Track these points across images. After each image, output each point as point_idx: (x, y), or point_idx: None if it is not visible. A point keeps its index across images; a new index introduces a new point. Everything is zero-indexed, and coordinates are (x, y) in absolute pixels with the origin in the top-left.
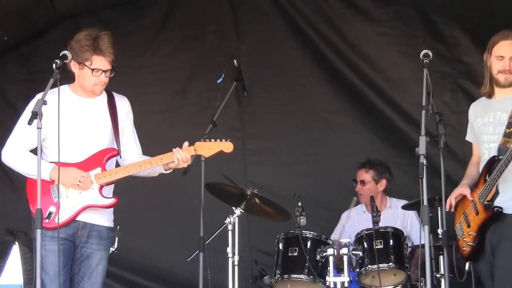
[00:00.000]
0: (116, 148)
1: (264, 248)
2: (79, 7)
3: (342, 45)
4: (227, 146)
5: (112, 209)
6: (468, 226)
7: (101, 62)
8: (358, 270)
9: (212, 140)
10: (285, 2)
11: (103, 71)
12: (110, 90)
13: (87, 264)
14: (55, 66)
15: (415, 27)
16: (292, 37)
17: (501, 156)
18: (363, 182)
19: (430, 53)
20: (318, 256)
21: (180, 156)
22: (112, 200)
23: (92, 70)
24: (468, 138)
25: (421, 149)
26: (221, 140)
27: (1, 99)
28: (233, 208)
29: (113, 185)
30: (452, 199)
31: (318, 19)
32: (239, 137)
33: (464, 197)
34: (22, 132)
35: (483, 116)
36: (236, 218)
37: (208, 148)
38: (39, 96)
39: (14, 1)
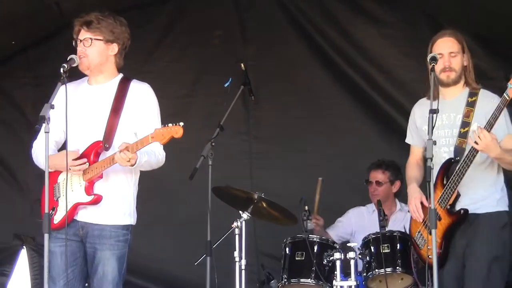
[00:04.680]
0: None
1: (271, 252)
2: (86, 12)
3: (349, 49)
4: (176, 131)
5: (119, 206)
6: (431, 234)
7: (81, 32)
8: (365, 274)
9: (170, 124)
10: (292, 5)
11: (81, 40)
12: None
13: (94, 265)
14: (63, 71)
15: (421, 29)
16: (298, 41)
17: (458, 158)
18: (379, 183)
19: (437, 57)
20: (325, 260)
21: (118, 156)
22: (91, 197)
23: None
24: (408, 140)
25: (429, 152)
26: (174, 124)
27: (9, 103)
28: (240, 212)
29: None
30: (419, 210)
31: (325, 22)
32: (245, 140)
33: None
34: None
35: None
36: (243, 222)
37: (162, 134)
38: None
39: (22, 6)
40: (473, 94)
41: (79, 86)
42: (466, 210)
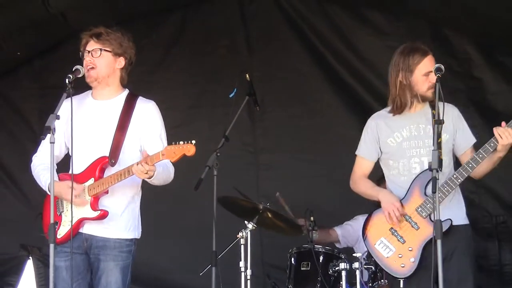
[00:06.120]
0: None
1: (277, 263)
2: (92, 22)
3: (354, 60)
4: (188, 149)
5: (124, 221)
6: (403, 242)
7: (90, 43)
8: (370, 284)
9: (181, 142)
10: (297, 16)
11: (88, 51)
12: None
13: (97, 276)
14: (68, 81)
15: (426, 41)
16: (304, 51)
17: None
18: None
19: (443, 67)
20: (331, 270)
21: (136, 169)
22: (97, 213)
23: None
24: (363, 153)
25: (434, 163)
26: (186, 142)
27: (15, 114)
28: (246, 222)
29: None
30: (398, 215)
31: (330, 33)
32: (251, 151)
33: (377, 212)
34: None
35: (401, 131)
36: (249, 232)
37: (173, 152)
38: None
39: (27, 15)
40: (433, 106)
41: (83, 100)
42: (451, 222)
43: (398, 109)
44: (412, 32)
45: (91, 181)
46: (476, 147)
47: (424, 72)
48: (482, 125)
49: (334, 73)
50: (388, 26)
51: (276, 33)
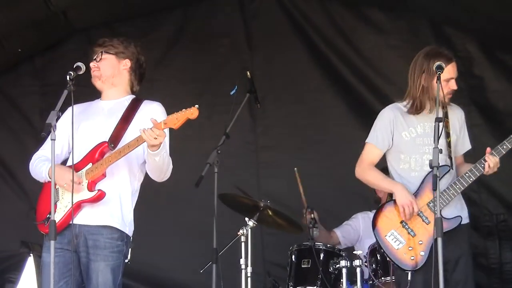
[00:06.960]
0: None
1: (277, 260)
2: (92, 20)
3: (355, 58)
4: (191, 112)
5: (117, 207)
6: (413, 235)
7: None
8: (371, 282)
9: (183, 109)
10: (298, 14)
11: (94, 59)
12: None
13: (88, 275)
14: (69, 78)
15: (427, 40)
16: (304, 50)
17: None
18: None
19: (444, 65)
20: (331, 268)
21: (146, 135)
22: (94, 193)
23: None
24: (376, 141)
25: (435, 161)
26: (187, 108)
27: (16, 111)
28: (246, 219)
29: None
30: (412, 212)
31: (331, 32)
32: (252, 150)
33: (388, 205)
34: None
35: (416, 127)
36: (249, 230)
37: (176, 119)
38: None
39: (28, 14)
40: (443, 105)
41: (91, 104)
42: (461, 219)
43: (417, 110)
44: (413, 31)
45: (89, 165)
46: (469, 155)
47: (446, 78)
48: (483, 124)
49: (335, 72)
50: (389, 24)
51: (277, 32)
